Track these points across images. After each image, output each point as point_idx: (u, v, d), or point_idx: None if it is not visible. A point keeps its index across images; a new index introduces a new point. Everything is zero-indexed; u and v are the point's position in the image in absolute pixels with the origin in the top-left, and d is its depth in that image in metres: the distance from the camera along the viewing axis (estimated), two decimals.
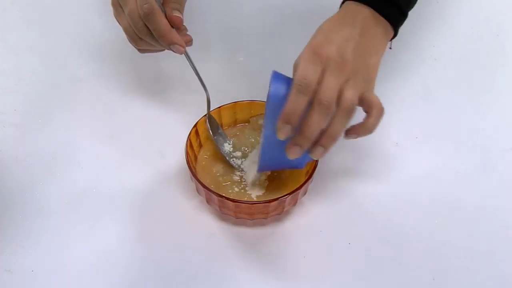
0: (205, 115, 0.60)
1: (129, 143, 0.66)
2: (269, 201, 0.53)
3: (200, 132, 0.61)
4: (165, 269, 0.54)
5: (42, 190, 0.60)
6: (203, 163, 0.61)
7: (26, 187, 0.60)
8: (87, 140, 0.66)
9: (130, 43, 0.56)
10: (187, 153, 0.57)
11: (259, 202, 0.53)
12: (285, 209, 0.56)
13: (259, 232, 0.57)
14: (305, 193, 0.58)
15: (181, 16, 0.55)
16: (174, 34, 0.54)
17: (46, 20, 0.81)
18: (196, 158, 0.61)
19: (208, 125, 0.60)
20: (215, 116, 0.62)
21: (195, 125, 0.60)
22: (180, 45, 0.54)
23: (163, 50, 0.57)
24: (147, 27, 0.53)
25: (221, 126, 0.63)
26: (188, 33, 0.57)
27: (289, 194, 0.53)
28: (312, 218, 0.58)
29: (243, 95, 0.63)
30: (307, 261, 0.55)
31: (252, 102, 0.63)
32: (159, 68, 0.74)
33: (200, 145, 0.62)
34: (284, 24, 0.83)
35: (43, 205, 0.59)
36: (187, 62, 0.57)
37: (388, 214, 0.59)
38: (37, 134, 0.66)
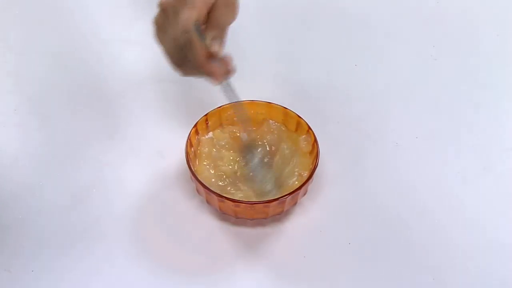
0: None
1: (129, 143, 0.66)
2: (269, 201, 0.53)
3: (200, 132, 0.61)
4: (164, 269, 0.54)
5: (42, 190, 0.60)
6: (204, 162, 0.61)
7: (26, 187, 0.60)
8: (87, 140, 0.66)
9: (172, 67, 0.55)
10: (187, 153, 0.57)
11: (259, 202, 0.53)
12: (285, 209, 0.56)
13: (259, 232, 0.57)
14: (305, 193, 0.58)
15: (218, 47, 0.53)
16: (210, 66, 0.53)
17: (46, 20, 0.81)
18: (196, 157, 0.61)
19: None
20: (214, 116, 0.62)
21: (195, 125, 0.60)
22: (216, 78, 0.54)
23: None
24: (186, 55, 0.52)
25: (221, 126, 0.63)
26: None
27: (289, 194, 0.53)
28: (312, 218, 0.58)
29: (243, 95, 0.63)
30: (307, 261, 0.55)
31: (252, 102, 0.63)
32: (159, 67, 0.74)
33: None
34: (284, 24, 0.83)
35: (43, 205, 0.59)
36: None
37: (387, 214, 0.59)
38: (37, 134, 0.66)
